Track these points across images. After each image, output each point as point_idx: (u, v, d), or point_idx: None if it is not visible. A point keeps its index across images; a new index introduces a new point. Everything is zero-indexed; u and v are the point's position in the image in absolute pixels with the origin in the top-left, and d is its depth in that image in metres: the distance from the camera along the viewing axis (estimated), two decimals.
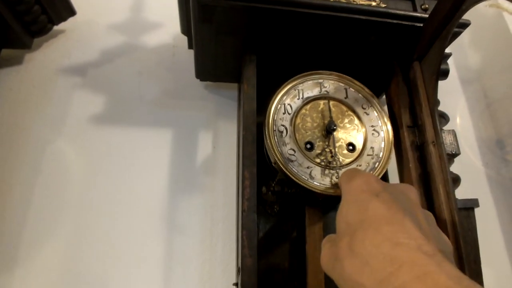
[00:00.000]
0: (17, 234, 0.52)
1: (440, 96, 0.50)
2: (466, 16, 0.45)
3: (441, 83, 0.51)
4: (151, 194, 0.57)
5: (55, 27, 0.64)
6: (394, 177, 0.52)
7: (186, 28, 0.59)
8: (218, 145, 0.61)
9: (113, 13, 0.69)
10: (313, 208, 0.51)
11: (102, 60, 0.65)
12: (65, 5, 0.62)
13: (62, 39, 0.66)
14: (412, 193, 0.33)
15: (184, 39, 0.61)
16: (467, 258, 0.42)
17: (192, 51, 0.62)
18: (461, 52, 0.76)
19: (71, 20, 0.64)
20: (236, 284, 0.44)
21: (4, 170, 0.55)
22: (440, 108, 0.52)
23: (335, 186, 0.46)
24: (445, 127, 0.51)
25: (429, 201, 0.46)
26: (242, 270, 0.41)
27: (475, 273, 0.43)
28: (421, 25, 0.49)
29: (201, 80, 0.63)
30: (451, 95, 0.69)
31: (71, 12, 0.63)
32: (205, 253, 0.54)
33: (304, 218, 0.51)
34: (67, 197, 0.55)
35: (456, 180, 0.48)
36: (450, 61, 0.55)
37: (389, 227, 0.27)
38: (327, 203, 0.53)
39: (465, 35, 0.52)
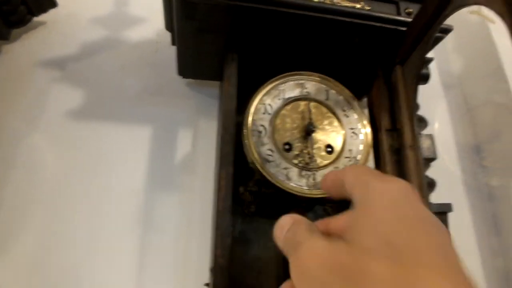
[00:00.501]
0: None
1: (420, 100, 0.50)
2: (449, 22, 0.46)
3: (422, 87, 0.51)
4: (128, 191, 0.56)
5: (35, 18, 0.62)
6: None
7: (170, 24, 0.58)
8: (198, 144, 0.61)
9: (96, 6, 0.68)
10: (296, 209, 0.50)
11: (83, 54, 0.64)
12: None
13: (42, 31, 0.64)
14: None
15: (168, 35, 0.60)
16: None
17: (175, 48, 0.61)
18: (444, 56, 0.76)
19: (52, 11, 0.63)
20: (207, 284, 0.44)
21: None
22: (420, 112, 0.52)
23: (313, 187, 0.46)
24: (424, 132, 0.51)
25: None
26: (214, 270, 0.41)
27: None
28: (405, 29, 0.49)
29: (183, 77, 0.62)
30: (432, 99, 0.69)
31: (52, 3, 0.62)
32: (180, 252, 0.53)
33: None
34: (42, 192, 0.54)
35: (431, 184, 0.48)
36: (432, 65, 0.55)
37: (460, 276, 0.20)
38: (308, 204, 0.53)
39: (449, 39, 0.52)
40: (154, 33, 0.67)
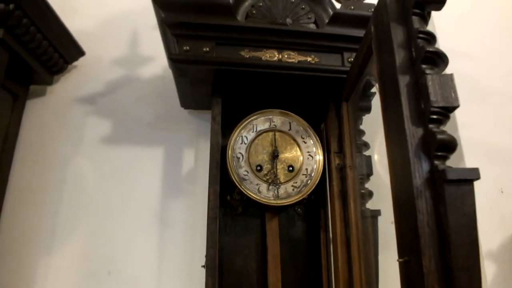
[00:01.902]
0: (52, 227, 0.72)
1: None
2: None
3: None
4: (147, 197, 0.75)
5: (70, 65, 0.80)
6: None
7: None
8: (199, 159, 0.78)
9: (114, 48, 0.85)
10: (271, 210, 0.68)
11: (107, 90, 0.82)
12: (76, 50, 0.78)
13: (75, 74, 0.82)
14: None
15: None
16: (367, 253, 0.59)
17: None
18: None
19: (81, 58, 0.81)
20: (203, 266, 0.63)
21: (39, 181, 0.74)
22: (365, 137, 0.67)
23: (277, 197, 0.63)
24: (366, 152, 0.66)
25: (345, 212, 0.63)
26: (206, 257, 0.59)
27: (375, 264, 0.60)
28: (345, 76, 0.64)
29: (185, 108, 0.79)
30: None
31: (81, 52, 0.80)
32: (188, 243, 0.73)
33: (263, 217, 0.69)
34: (86, 200, 0.74)
35: (370, 194, 0.64)
36: None
37: None
38: (280, 207, 0.70)
39: None
40: (161, 69, 0.84)
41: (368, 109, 0.68)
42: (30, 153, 0.76)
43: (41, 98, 0.80)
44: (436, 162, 0.36)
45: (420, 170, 0.36)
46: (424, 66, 0.37)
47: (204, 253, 0.70)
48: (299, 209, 0.72)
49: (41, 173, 0.75)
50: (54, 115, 0.79)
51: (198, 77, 0.64)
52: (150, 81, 0.84)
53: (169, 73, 0.82)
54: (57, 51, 0.74)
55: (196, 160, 0.78)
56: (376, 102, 0.69)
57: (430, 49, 0.37)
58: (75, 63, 0.81)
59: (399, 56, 0.39)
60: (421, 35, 0.40)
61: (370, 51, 0.51)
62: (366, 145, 0.67)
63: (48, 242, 0.71)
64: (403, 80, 0.38)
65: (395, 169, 0.41)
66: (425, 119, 0.37)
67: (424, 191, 0.35)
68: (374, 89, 0.67)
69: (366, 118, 0.68)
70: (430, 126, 0.36)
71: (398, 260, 0.39)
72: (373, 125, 0.74)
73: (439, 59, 0.38)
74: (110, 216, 0.74)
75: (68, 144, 0.78)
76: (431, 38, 0.40)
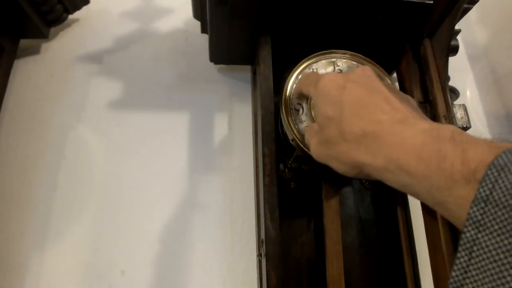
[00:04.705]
0: (46, 215, 0.55)
1: (449, 71, 0.51)
2: None
3: (450, 59, 0.52)
4: (171, 174, 0.59)
5: (70, 16, 0.65)
6: None
7: (199, 13, 0.60)
8: (233, 126, 0.63)
9: (125, 0, 0.70)
10: (329, 184, 0.53)
11: (117, 47, 0.67)
12: None
13: (77, 28, 0.67)
14: (367, 70, 0.38)
15: (196, 24, 0.62)
16: None
17: (204, 36, 0.63)
18: (468, 28, 0.77)
19: (84, 8, 0.65)
20: (260, 255, 0.47)
21: (30, 157, 0.57)
22: (450, 83, 0.53)
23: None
24: (456, 102, 0.52)
25: None
26: (266, 241, 0.43)
27: None
28: (431, 2, 0.50)
29: (215, 63, 0.64)
30: (460, 70, 0.70)
31: (85, 0, 0.64)
32: (225, 229, 0.56)
33: (320, 193, 0.53)
34: (91, 179, 0.58)
35: None
36: (458, 37, 0.56)
37: (366, 110, 0.33)
38: (343, 178, 0.55)
39: (472, 10, 0.52)
40: (182, 22, 0.69)
41: (455, 49, 0.54)
42: (20, 121, 0.60)
43: (34, 56, 0.64)
44: None
45: None
46: None
47: (253, 240, 0.54)
48: (366, 182, 0.57)
49: (33, 146, 0.58)
50: (49, 75, 0.63)
51: (243, 5, 0.50)
52: (169, 37, 0.69)
53: (193, 27, 0.68)
54: None
55: (230, 127, 0.63)
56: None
57: None
58: (76, 14, 0.65)
59: None
60: None
61: None
62: (455, 92, 0.53)
63: (40, 235, 0.54)
64: None
65: None
66: None
67: None
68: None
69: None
70: None
71: None
72: (458, 68, 0.61)
73: None
74: (122, 200, 0.57)
75: (68, 111, 0.61)
76: None
